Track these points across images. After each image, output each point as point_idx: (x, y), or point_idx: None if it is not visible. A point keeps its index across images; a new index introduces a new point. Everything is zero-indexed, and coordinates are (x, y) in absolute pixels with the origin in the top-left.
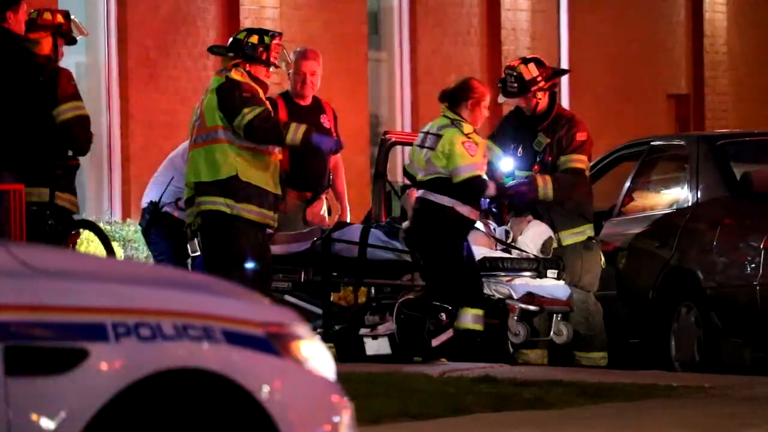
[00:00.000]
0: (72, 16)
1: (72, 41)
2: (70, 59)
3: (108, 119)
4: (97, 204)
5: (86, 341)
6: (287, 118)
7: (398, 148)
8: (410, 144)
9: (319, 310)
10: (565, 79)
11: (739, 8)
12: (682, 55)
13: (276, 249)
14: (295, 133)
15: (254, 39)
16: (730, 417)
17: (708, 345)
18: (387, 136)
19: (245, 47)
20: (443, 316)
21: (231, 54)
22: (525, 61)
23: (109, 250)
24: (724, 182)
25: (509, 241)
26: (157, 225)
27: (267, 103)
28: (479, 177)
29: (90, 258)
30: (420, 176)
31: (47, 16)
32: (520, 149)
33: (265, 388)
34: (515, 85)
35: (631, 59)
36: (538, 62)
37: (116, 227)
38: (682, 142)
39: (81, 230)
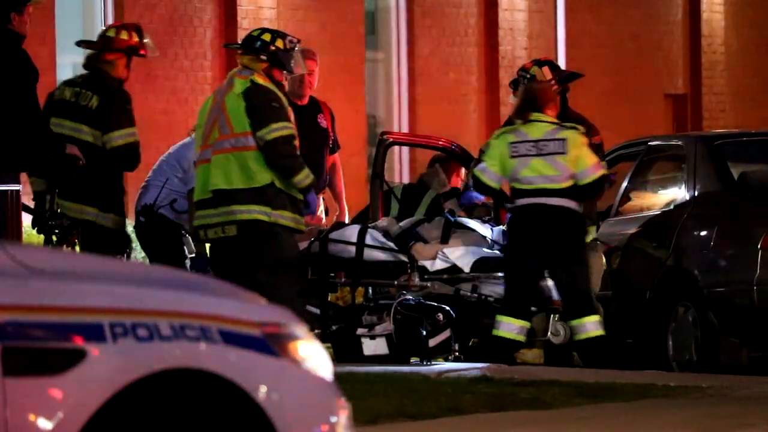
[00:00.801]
0: (146, 38)
1: (140, 57)
2: (67, 59)
3: None
4: None
5: (84, 341)
6: None
7: (395, 148)
8: (408, 144)
9: (316, 310)
10: None
11: (737, 8)
12: (680, 55)
13: None
14: (305, 179)
15: (280, 43)
16: (728, 417)
17: (705, 345)
18: (384, 136)
19: (276, 51)
20: (440, 316)
21: (263, 57)
22: (539, 63)
23: None
24: (722, 182)
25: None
26: (154, 227)
27: (291, 111)
28: (604, 175)
29: (87, 258)
30: (548, 184)
31: (124, 35)
32: None
33: (263, 389)
34: None
35: (628, 59)
36: (552, 65)
37: None
38: (680, 142)
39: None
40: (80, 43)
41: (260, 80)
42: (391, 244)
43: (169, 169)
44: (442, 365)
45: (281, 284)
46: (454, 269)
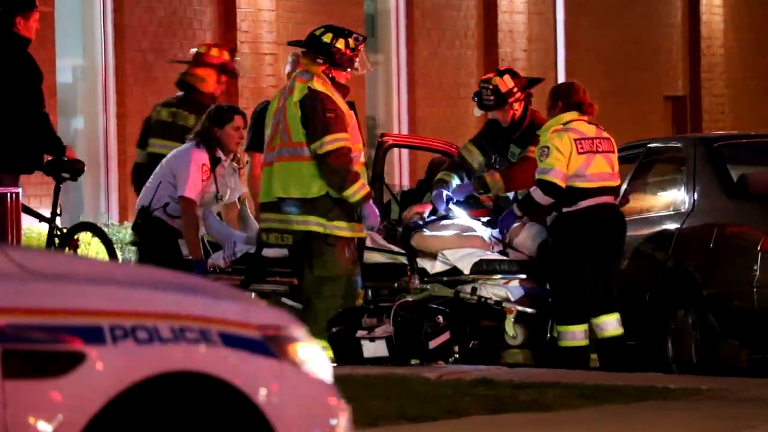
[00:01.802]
0: (236, 57)
1: (233, 77)
2: (67, 62)
3: (104, 122)
4: (94, 206)
5: (83, 344)
6: None
7: (395, 150)
8: (407, 147)
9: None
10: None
11: (736, 10)
12: (679, 57)
13: (273, 252)
14: (358, 191)
15: (341, 43)
16: (728, 419)
17: (705, 347)
18: (384, 138)
19: (335, 53)
20: (440, 318)
21: (320, 59)
22: (500, 73)
23: (111, 253)
24: (721, 184)
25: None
26: (149, 229)
27: (348, 118)
28: None
29: (87, 261)
30: (609, 182)
31: (214, 52)
32: (497, 159)
33: (262, 391)
34: (492, 98)
35: (627, 61)
36: (513, 73)
37: (113, 230)
38: (679, 144)
39: (83, 233)
40: (174, 61)
41: (318, 85)
42: (392, 247)
43: (163, 174)
44: (442, 367)
45: (326, 293)
46: (454, 271)
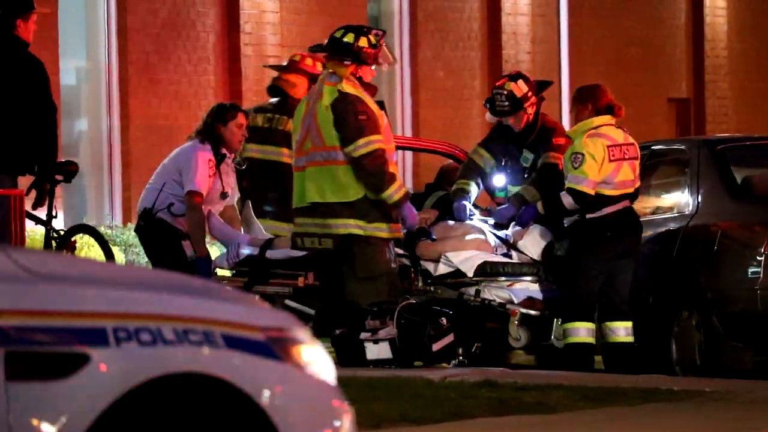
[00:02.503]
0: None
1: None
2: (71, 63)
3: (108, 124)
4: (97, 208)
5: (87, 346)
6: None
7: (399, 153)
8: (411, 149)
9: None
10: (565, 84)
11: (740, 12)
12: (683, 60)
13: (276, 254)
14: (396, 192)
15: (363, 41)
16: (731, 421)
17: (709, 349)
18: None
19: (359, 52)
20: (444, 320)
21: (347, 61)
22: (512, 78)
23: (108, 255)
24: (725, 186)
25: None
26: (153, 231)
27: (380, 120)
28: None
29: (90, 262)
30: (629, 189)
31: (308, 62)
32: (509, 163)
33: (266, 393)
34: (506, 103)
35: (631, 63)
36: (525, 78)
37: (117, 231)
38: (683, 147)
39: (81, 235)
40: (269, 66)
41: (348, 88)
42: (396, 249)
43: (167, 174)
44: (445, 369)
45: (370, 293)
46: (457, 273)
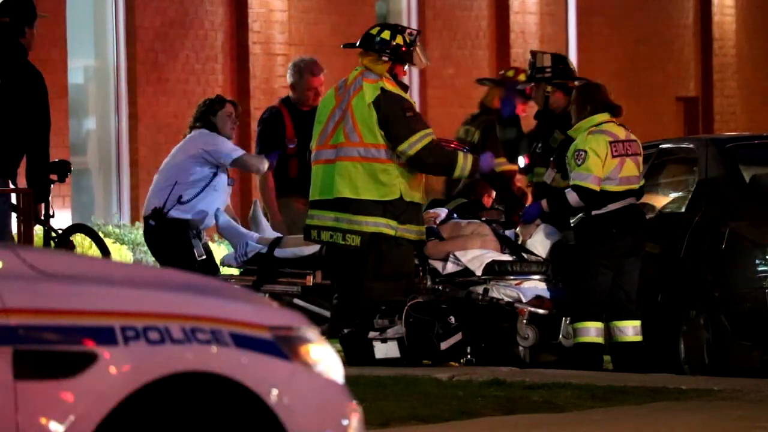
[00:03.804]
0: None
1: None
2: (79, 63)
3: (116, 122)
4: (105, 207)
5: (95, 345)
6: (292, 126)
7: None
8: None
9: (327, 314)
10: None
11: (748, 11)
12: (691, 58)
13: (284, 253)
14: (465, 165)
15: (400, 40)
16: (740, 419)
17: (717, 348)
18: None
19: (397, 48)
20: (452, 319)
21: (385, 57)
22: (548, 52)
23: (104, 252)
24: (733, 185)
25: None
26: (163, 231)
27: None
28: None
29: (98, 261)
30: (634, 185)
31: (510, 73)
32: (539, 146)
33: (274, 392)
34: (528, 71)
35: (639, 62)
36: (557, 58)
37: (125, 230)
38: (691, 145)
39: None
40: (481, 81)
41: (389, 86)
42: None
43: (179, 170)
44: (453, 368)
45: (388, 292)
46: (465, 272)
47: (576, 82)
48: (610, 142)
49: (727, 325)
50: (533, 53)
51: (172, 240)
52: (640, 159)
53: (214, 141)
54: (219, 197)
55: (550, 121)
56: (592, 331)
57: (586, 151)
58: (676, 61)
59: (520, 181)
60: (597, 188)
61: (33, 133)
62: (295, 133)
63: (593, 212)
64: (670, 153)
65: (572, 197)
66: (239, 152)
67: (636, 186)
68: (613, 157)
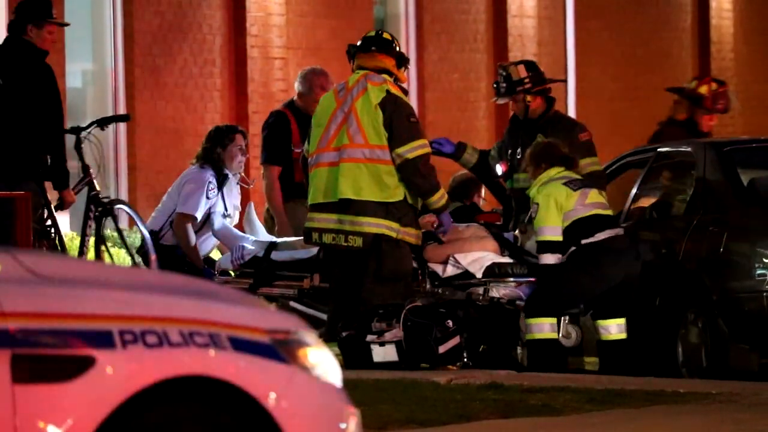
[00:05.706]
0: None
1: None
2: (77, 66)
3: (114, 127)
4: None
5: (93, 348)
6: (297, 130)
7: None
8: None
9: (325, 317)
10: (571, 85)
11: (746, 15)
12: (689, 62)
13: (282, 255)
14: (441, 198)
15: (397, 44)
16: (738, 423)
17: (715, 351)
18: None
19: (399, 53)
20: (450, 323)
21: (390, 57)
22: (517, 62)
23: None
24: (731, 188)
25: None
26: (159, 254)
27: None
28: None
29: (96, 265)
30: (609, 210)
31: (703, 90)
32: (519, 151)
33: (272, 395)
34: (504, 84)
35: (637, 65)
36: (530, 65)
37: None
38: (689, 149)
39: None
40: (671, 89)
41: (393, 89)
42: None
43: (173, 200)
44: (451, 372)
45: (387, 294)
46: (465, 275)
47: (548, 85)
48: (565, 183)
49: (725, 329)
50: (503, 66)
51: (166, 264)
52: (602, 191)
53: (186, 188)
54: (213, 239)
55: (532, 127)
56: (545, 327)
57: (538, 204)
58: (674, 64)
59: None
60: (558, 237)
61: (45, 127)
62: (301, 138)
63: (582, 241)
64: (668, 156)
65: (547, 258)
66: (188, 211)
67: (609, 211)
68: (575, 191)
